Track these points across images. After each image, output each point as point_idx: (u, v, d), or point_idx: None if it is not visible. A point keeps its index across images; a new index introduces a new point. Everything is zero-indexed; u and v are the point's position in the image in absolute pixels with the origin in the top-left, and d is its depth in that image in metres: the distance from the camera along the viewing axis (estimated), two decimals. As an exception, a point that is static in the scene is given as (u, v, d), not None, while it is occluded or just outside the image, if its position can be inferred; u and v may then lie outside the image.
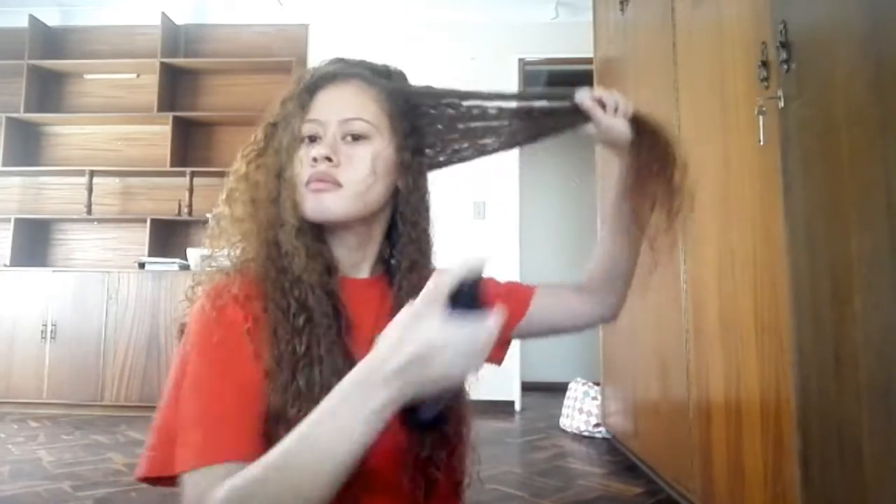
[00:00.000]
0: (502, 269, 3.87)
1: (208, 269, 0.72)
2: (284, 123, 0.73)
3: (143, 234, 4.00)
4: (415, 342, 0.51)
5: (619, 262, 0.85)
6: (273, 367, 0.64)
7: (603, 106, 0.78)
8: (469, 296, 0.53)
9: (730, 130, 1.49)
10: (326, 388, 0.55)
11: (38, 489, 2.14)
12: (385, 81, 0.76)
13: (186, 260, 3.79)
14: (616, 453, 2.70)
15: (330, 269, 0.71)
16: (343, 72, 0.75)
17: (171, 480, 0.61)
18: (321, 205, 0.70)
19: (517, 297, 0.85)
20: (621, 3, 2.57)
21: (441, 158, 0.80)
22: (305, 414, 0.54)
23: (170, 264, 3.79)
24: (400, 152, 0.74)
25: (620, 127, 0.79)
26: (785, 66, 1.20)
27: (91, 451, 2.71)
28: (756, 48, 1.30)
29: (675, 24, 1.92)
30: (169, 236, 4.15)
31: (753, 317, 1.35)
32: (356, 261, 0.76)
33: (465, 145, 0.80)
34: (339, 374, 0.55)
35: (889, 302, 0.93)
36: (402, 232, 0.75)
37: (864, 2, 1.03)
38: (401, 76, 0.80)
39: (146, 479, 0.64)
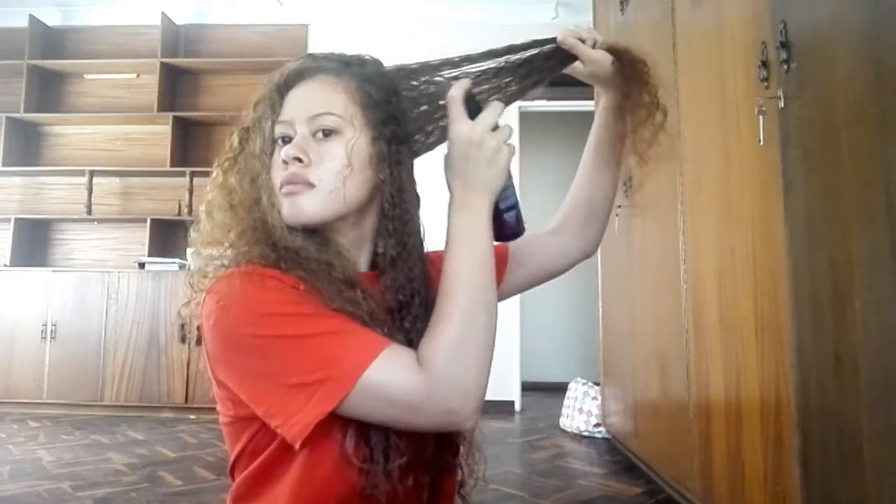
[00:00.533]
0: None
1: (214, 262, 0.70)
2: (256, 127, 0.72)
3: (143, 234, 4.00)
4: (458, 143, 0.68)
5: (598, 196, 0.91)
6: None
7: (582, 41, 0.80)
8: (474, 101, 0.71)
9: (730, 130, 1.49)
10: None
11: (38, 489, 2.14)
12: (354, 69, 0.72)
13: (186, 260, 3.79)
14: (616, 453, 2.70)
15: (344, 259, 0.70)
16: (309, 67, 0.72)
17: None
18: (295, 207, 0.67)
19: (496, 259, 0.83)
20: (621, 3, 2.57)
21: (432, 140, 0.78)
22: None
23: (170, 264, 3.79)
24: (376, 143, 0.70)
25: (601, 58, 0.81)
26: (785, 66, 1.20)
27: (91, 451, 2.72)
28: (756, 48, 1.30)
29: (675, 24, 1.92)
30: (169, 236, 4.15)
31: (753, 317, 1.35)
32: (355, 256, 0.73)
33: None
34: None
35: (889, 302, 0.93)
36: (382, 225, 0.72)
37: (864, 2, 1.03)
38: (375, 64, 0.75)
39: (306, 438, 0.59)
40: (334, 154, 0.68)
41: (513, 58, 0.78)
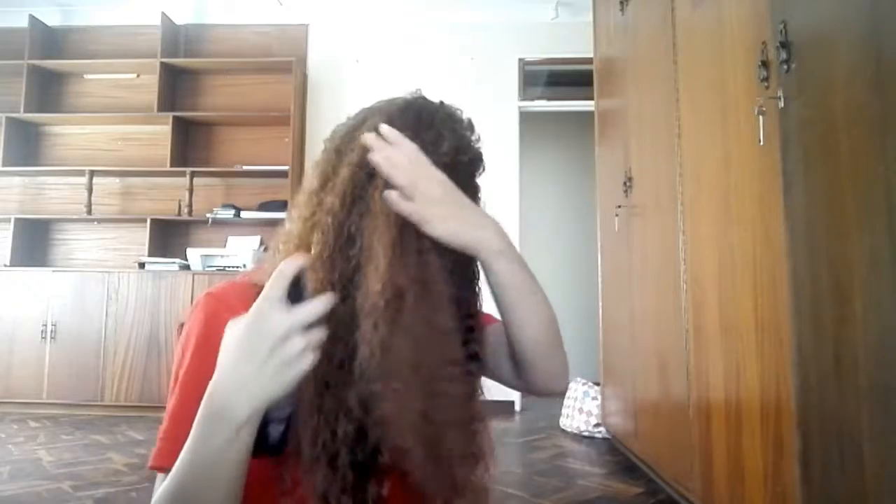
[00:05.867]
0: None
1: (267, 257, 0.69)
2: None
3: (143, 234, 4.00)
4: (258, 328, 0.53)
5: (515, 335, 0.72)
6: None
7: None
8: (300, 286, 0.55)
9: (730, 130, 1.49)
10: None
11: (38, 489, 2.14)
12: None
13: (186, 260, 3.80)
14: (616, 453, 2.70)
15: None
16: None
17: None
18: None
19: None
20: (621, 3, 2.57)
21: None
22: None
23: (170, 264, 3.79)
24: None
25: None
26: (785, 66, 1.20)
27: (91, 451, 2.71)
28: (756, 48, 1.30)
29: (675, 24, 1.92)
30: (169, 236, 4.15)
31: (753, 317, 1.35)
32: None
33: None
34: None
35: (889, 302, 0.93)
36: None
37: (864, 2, 1.03)
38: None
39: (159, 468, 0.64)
40: None
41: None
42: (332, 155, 0.67)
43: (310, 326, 0.54)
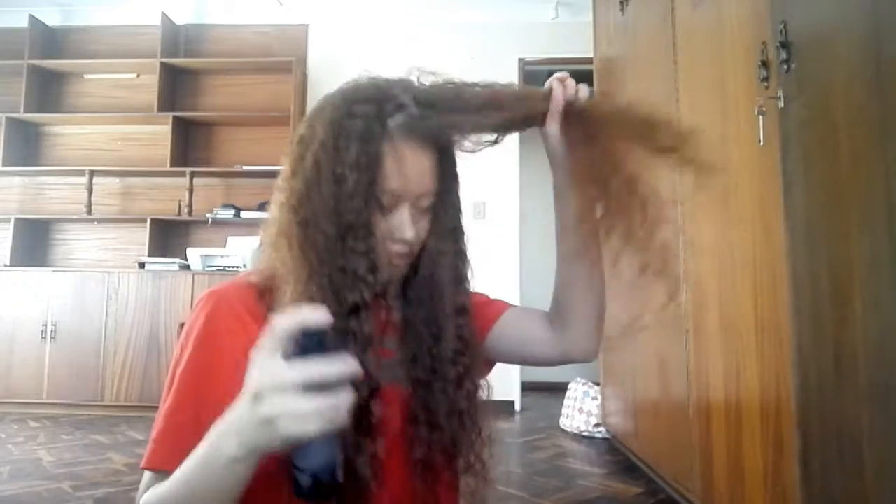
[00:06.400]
0: (502, 269, 3.90)
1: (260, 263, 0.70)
2: (350, 170, 0.64)
3: (143, 234, 4.00)
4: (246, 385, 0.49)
5: (573, 294, 0.77)
6: None
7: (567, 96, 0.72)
8: (316, 342, 0.48)
9: (730, 130, 1.49)
10: None
11: (38, 489, 2.14)
12: (445, 135, 0.70)
13: (186, 260, 3.79)
14: (616, 453, 2.70)
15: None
16: (414, 129, 0.66)
17: None
18: (396, 272, 0.71)
19: (487, 312, 0.81)
20: (621, 3, 2.57)
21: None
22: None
23: (170, 264, 3.79)
24: (454, 201, 0.75)
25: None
26: (785, 66, 1.20)
27: (91, 451, 2.71)
28: (756, 48, 1.30)
29: (675, 24, 1.92)
30: (169, 236, 4.15)
31: (753, 317, 1.35)
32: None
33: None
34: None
35: (889, 302, 0.93)
36: (428, 251, 0.73)
37: (864, 2, 1.03)
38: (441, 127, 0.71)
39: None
40: (425, 228, 0.72)
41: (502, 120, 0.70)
42: (298, 144, 0.69)
43: (330, 386, 0.47)
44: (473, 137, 0.71)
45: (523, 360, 0.84)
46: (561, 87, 0.72)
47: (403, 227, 0.67)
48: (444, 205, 0.73)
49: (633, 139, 0.71)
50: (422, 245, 0.72)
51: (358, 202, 0.64)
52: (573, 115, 0.72)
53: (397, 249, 0.68)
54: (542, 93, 0.73)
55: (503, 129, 0.71)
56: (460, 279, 0.75)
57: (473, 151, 0.73)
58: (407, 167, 0.66)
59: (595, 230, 0.72)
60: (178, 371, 0.65)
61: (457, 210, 0.75)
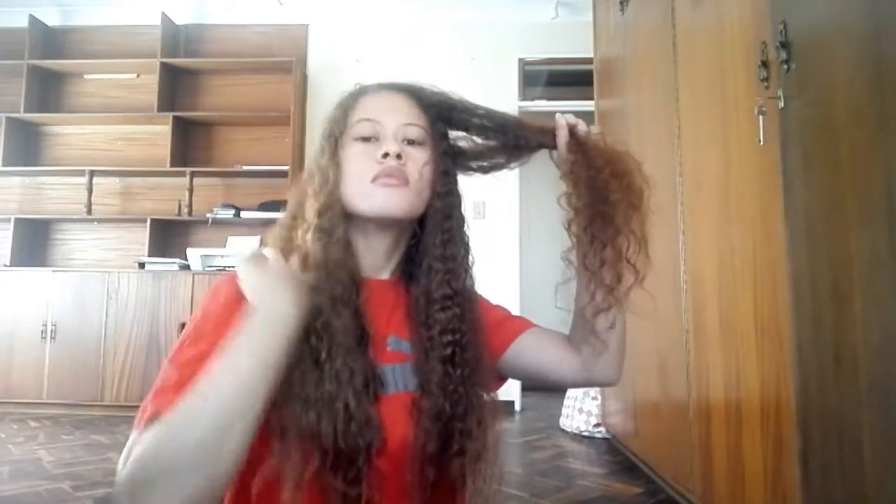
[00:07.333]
0: (502, 269, 3.90)
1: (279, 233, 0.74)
2: (327, 128, 0.77)
3: (143, 234, 4.00)
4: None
5: (588, 318, 0.79)
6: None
7: (573, 131, 0.79)
8: None
9: (730, 130, 1.49)
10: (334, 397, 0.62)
11: (38, 489, 2.14)
12: (427, 93, 0.80)
13: (186, 260, 3.79)
14: (616, 453, 2.70)
15: (354, 277, 0.71)
16: (391, 82, 0.80)
17: None
18: (391, 200, 0.71)
19: (506, 328, 0.83)
20: (621, 3, 2.57)
21: (473, 166, 0.83)
22: (316, 418, 0.61)
23: (170, 264, 3.79)
24: (444, 159, 0.78)
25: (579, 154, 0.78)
26: (785, 66, 1.20)
27: (91, 451, 2.71)
28: (756, 48, 1.30)
29: (675, 24, 1.92)
30: (169, 236, 4.15)
31: (753, 317, 1.35)
32: (382, 264, 0.78)
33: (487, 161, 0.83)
34: (353, 379, 0.63)
35: (889, 302, 0.93)
36: (431, 233, 0.76)
37: (864, 2, 1.03)
38: (442, 94, 0.82)
39: None
40: (421, 160, 0.74)
41: (511, 137, 0.79)
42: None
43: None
44: (484, 154, 0.80)
45: (542, 380, 0.85)
46: (564, 118, 0.79)
47: (387, 143, 0.72)
48: (436, 160, 0.77)
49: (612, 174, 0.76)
50: (426, 188, 0.75)
51: (328, 153, 0.74)
52: (575, 143, 0.78)
53: (386, 166, 0.71)
54: (547, 125, 0.80)
55: (514, 144, 0.79)
56: (460, 239, 0.78)
57: (488, 172, 0.81)
58: (381, 99, 0.76)
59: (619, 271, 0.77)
60: (203, 324, 0.64)
61: (449, 172, 0.79)
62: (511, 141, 0.79)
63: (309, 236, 0.68)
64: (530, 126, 0.80)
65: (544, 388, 4.38)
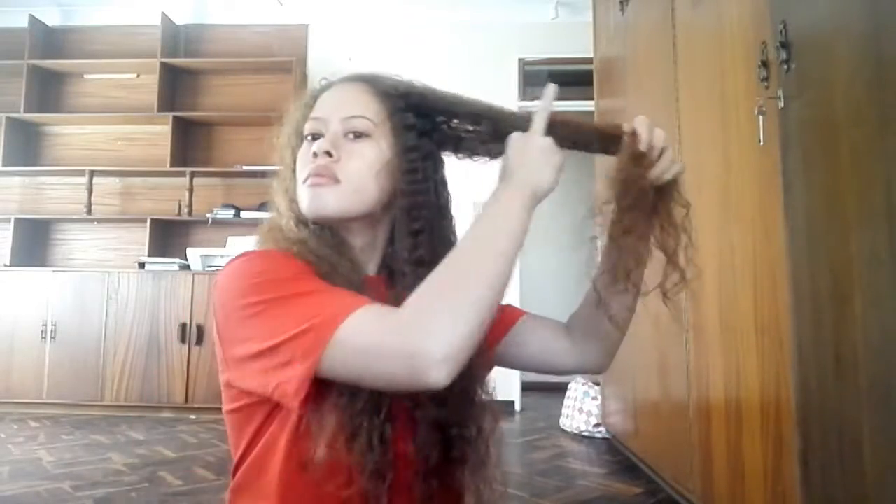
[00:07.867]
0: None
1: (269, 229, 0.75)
2: (289, 126, 0.79)
3: (143, 234, 4.00)
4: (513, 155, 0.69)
5: (602, 315, 0.80)
6: None
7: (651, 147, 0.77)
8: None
9: (730, 130, 1.49)
10: None
11: (38, 489, 2.14)
12: (388, 82, 0.75)
13: (186, 260, 3.79)
14: (616, 453, 2.70)
15: (354, 264, 0.72)
16: (347, 75, 0.77)
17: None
18: (318, 200, 0.69)
19: (501, 316, 0.82)
20: (621, 3, 2.57)
21: (459, 155, 0.77)
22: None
23: (170, 264, 3.79)
24: (403, 153, 0.71)
25: (660, 172, 0.82)
26: (785, 66, 1.20)
27: (91, 451, 2.71)
28: (756, 48, 1.30)
29: (675, 24, 1.92)
30: (169, 236, 4.15)
31: (753, 317, 1.35)
32: (365, 259, 0.76)
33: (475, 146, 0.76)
34: None
35: (889, 302, 0.93)
36: (399, 234, 0.72)
37: (864, 2, 1.03)
38: (408, 83, 0.77)
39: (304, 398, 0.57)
40: (362, 155, 0.71)
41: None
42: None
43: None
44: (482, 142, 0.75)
45: (537, 368, 0.85)
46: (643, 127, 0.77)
47: (319, 141, 0.71)
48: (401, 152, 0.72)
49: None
50: (368, 184, 0.71)
51: (287, 141, 0.77)
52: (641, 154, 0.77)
53: (315, 166, 0.70)
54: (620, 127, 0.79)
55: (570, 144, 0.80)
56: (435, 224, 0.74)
57: (496, 156, 0.75)
58: (331, 94, 0.75)
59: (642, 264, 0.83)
60: (282, 290, 0.60)
61: (417, 169, 0.72)
62: (488, 130, 0.74)
63: (293, 225, 0.72)
64: (567, 121, 0.80)
65: (544, 389, 4.37)
